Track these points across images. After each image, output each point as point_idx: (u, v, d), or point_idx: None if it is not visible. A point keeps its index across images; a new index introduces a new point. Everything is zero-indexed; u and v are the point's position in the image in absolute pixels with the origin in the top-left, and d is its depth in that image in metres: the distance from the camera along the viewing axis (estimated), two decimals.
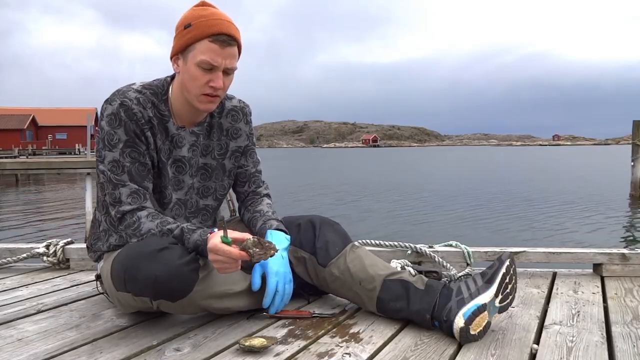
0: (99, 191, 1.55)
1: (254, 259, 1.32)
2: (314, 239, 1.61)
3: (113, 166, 1.44)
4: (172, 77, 1.54)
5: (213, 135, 1.61)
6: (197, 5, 1.45)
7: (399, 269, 1.63)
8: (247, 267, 1.57)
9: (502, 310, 1.43)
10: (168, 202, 1.56)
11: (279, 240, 1.52)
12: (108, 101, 1.46)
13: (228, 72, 1.46)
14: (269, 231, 1.55)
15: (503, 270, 1.41)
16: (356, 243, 1.67)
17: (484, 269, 1.48)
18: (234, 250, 1.32)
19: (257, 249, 1.31)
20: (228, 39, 1.41)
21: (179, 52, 1.44)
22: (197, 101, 1.46)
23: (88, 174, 8.22)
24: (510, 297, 1.44)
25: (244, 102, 1.69)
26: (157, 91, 1.51)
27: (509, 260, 1.44)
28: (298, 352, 1.31)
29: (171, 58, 1.48)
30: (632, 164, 13.36)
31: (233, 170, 1.68)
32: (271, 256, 1.35)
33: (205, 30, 1.39)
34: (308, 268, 1.61)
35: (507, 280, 1.42)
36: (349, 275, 1.55)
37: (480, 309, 1.37)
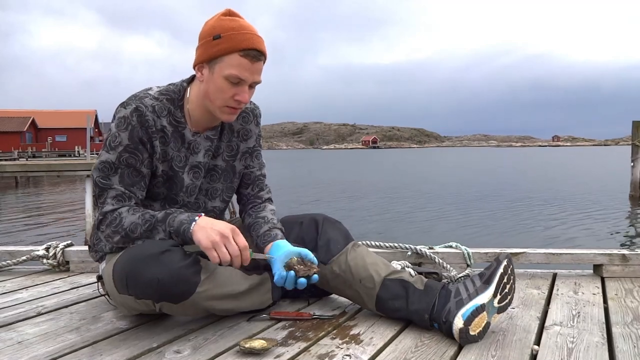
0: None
1: (299, 274, 1.42)
2: (316, 237, 1.61)
3: (105, 167, 1.44)
4: (188, 82, 1.54)
5: (224, 137, 1.61)
6: (224, 15, 1.43)
7: (399, 269, 1.63)
8: (250, 268, 1.57)
9: (501, 310, 1.43)
10: (178, 207, 1.56)
11: (285, 247, 1.49)
12: (123, 104, 1.46)
13: (253, 85, 1.47)
14: (274, 243, 1.52)
15: (501, 270, 1.42)
16: (358, 242, 1.68)
17: (483, 269, 1.48)
18: (245, 244, 1.36)
19: (302, 266, 1.43)
20: (258, 55, 1.41)
21: (205, 61, 1.43)
22: (219, 112, 1.47)
23: (88, 176, 8.22)
24: (509, 297, 1.44)
25: (254, 104, 1.69)
26: (174, 97, 1.50)
27: (506, 260, 1.44)
28: (298, 354, 1.31)
29: (194, 66, 1.47)
30: (632, 164, 13.37)
31: (242, 172, 1.69)
32: (315, 274, 1.43)
33: (236, 44, 1.39)
34: None
35: (505, 280, 1.42)
36: (350, 273, 1.55)
37: (479, 309, 1.37)
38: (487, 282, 1.41)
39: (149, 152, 1.47)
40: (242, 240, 1.36)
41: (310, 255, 1.46)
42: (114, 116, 1.46)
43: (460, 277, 1.96)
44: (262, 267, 1.59)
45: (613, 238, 8.08)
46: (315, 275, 1.43)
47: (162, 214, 1.41)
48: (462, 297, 1.40)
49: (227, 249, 1.33)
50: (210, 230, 1.33)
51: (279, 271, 1.43)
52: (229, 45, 1.39)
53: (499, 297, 1.41)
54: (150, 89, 1.51)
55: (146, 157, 1.47)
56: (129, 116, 1.43)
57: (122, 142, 1.44)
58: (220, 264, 1.35)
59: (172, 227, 1.38)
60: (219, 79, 1.42)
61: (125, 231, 1.42)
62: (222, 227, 1.34)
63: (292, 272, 1.41)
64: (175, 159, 1.51)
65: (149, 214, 1.42)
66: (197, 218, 1.37)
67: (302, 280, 1.42)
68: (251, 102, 1.68)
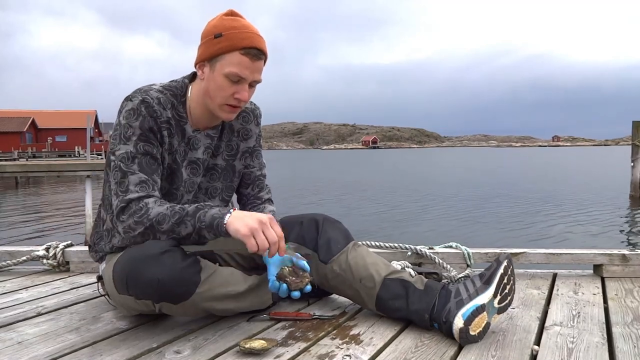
0: (105, 189, 1.55)
1: (291, 287, 1.38)
2: (316, 236, 1.61)
3: (124, 157, 1.43)
4: (190, 79, 1.55)
5: (224, 136, 1.62)
6: (227, 15, 1.45)
7: (399, 269, 1.63)
8: (250, 269, 1.57)
9: (501, 311, 1.43)
10: (178, 204, 1.56)
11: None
12: (129, 98, 1.46)
13: (253, 84, 1.47)
14: None
15: (501, 270, 1.42)
16: (358, 242, 1.68)
17: (483, 270, 1.48)
18: (281, 233, 1.34)
19: (294, 278, 1.39)
20: (258, 53, 1.43)
21: (207, 59, 1.44)
22: (219, 110, 1.48)
23: (88, 176, 8.22)
24: (509, 297, 1.44)
25: (254, 104, 1.70)
26: (176, 93, 1.51)
27: (506, 260, 1.44)
28: (298, 354, 1.31)
29: (196, 64, 1.48)
30: (632, 164, 13.37)
31: (242, 171, 1.69)
32: (307, 284, 1.39)
33: (237, 42, 1.40)
34: (309, 265, 1.61)
35: (505, 280, 1.42)
36: (350, 272, 1.55)
37: (479, 309, 1.37)
38: (487, 283, 1.41)
39: (158, 141, 1.47)
40: (279, 229, 1.34)
41: (302, 262, 1.42)
42: (120, 110, 1.46)
43: (460, 278, 1.96)
44: (262, 268, 1.59)
45: (613, 238, 8.08)
46: (308, 286, 1.40)
47: (193, 208, 1.38)
48: (462, 297, 1.40)
49: (265, 236, 1.31)
50: (247, 218, 1.32)
51: (272, 280, 1.39)
52: (230, 44, 1.40)
53: (499, 297, 1.41)
54: (153, 84, 1.52)
55: (158, 146, 1.47)
56: (137, 107, 1.44)
57: (135, 131, 1.44)
58: (257, 253, 1.33)
59: (204, 222, 1.35)
60: (219, 77, 1.43)
61: (152, 222, 1.38)
62: (259, 215, 1.34)
63: (284, 285, 1.38)
64: (178, 152, 1.52)
65: (179, 207, 1.39)
66: (231, 210, 1.36)
67: (296, 293, 1.38)
68: (251, 102, 1.68)
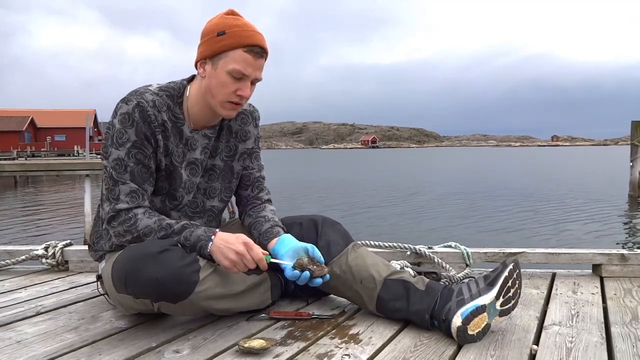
0: (103, 187, 1.56)
1: (315, 274, 1.45)
2: (315, 238, 1.62)
3: (117, 164, 1.45)
4: (189, 81, 1.55)
5: (222, 137, 1.62)
6: (228, 14, 1.46)
7: (399, 269, 1.63)
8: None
9: (503, 313, 1.43)
10: (178, 204, 1.57)
11: (291, 242, 1.51)
12: (124, 100, 1.46)
13: (254, 82, 1.49)
14: (279, 238, 1.53)
15: (505, 273, 1.42)
16: (357, 242, 1.68)
17: (484, 270, 1.48)
18: (260, 256, 1.40)
19: (315, 266, 1.46)
20: (261, 51, 1.45)
21: (209, 57, 1.45)
22: (220, 107, 1.48)
23: (87, 175, 8.21)
24: (513, 301, 1.44)
25: (253, 106, 1.71)
26: (173, 94, 1.52)
27: (512, 264, 1.44)
28: (297, 354, 1.31)
29: (197, 62, 1.48)
30: (631, 164, 13.38)
31: (240, 173, 1.70)
32: (327, 272, 1.47)
33: (240, 40, 1.42)
34: None
35: (509, 284, 1.42)
36: (351, 274, 1.55)
37: (479, 309, 1.37)
38: (491, 284, 1.41)
39: (153, 147, 1.48)
40: (257, 253, 1.41)
41: (317, 252, 1.49)
42: (115, 112, 1.47)
43: (459, 277, 1.96)
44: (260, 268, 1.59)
45: (612, 238, 8.08)
46: (327, 275, 1.48)
47: (179, 226, 1.43)
48: (464, 297, 1.41)
49: (245, 264, 1.39)
50: (226, 251, 1.38)
51: (290, 270, 1.45)
52: (234, 41, 1.42)
53: (501, 299, 1.41)
54: (150, 85, 1.52)
55: (151, 152, 1.48)
56: (131, 112, 1.44)
57: (129, 138, 1.45)
58: None
59: (189, 241, 1.41)
60: (222, 74, 1.44)
61: (139, 233, 1.43)
62: (236, 245, 1.39)
63: (307, 273, 1.44)
64: (175, 153, 1.52)
65: (166, 222, 1.44)
66: (213, 237, 1.41)
67: (318, 280, 1.46)
68: (250, 104, 1.69)
